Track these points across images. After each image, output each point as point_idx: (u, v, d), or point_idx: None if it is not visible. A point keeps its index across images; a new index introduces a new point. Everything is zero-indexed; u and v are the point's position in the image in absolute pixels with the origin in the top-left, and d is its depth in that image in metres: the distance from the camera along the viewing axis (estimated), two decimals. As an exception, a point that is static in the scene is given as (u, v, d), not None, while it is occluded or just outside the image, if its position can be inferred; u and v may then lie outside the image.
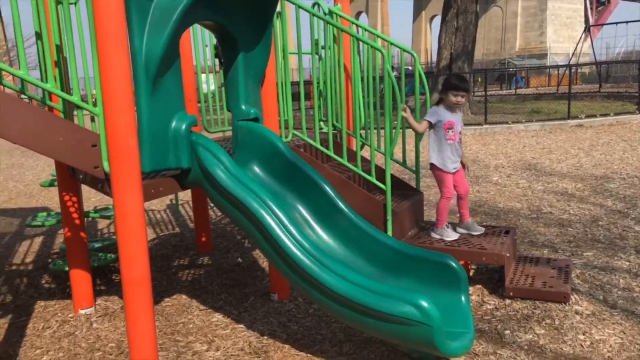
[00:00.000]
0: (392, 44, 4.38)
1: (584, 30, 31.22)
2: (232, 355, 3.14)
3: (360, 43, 4.42)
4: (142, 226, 2.63)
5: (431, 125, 4.03)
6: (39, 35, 2.99)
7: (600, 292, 3.67)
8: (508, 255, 3.70)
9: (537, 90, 27.55)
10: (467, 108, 16.07)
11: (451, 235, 4.00)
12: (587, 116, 13.72)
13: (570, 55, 31.22)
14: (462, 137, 4.05)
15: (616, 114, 13.92)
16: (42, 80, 3.01)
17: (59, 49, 3.14)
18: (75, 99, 2.79)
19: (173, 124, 2.88)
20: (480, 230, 4.10)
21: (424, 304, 2.46)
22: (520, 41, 53.80)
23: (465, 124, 14.21)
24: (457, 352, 2.62)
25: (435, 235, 4.05)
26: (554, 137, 11.63)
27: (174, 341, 3.36)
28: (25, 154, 14.04)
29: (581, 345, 3.03)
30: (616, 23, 31.30)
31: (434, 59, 23.95)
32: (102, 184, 3.06)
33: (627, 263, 4.19)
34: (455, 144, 4.01)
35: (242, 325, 3.53)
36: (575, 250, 4.56)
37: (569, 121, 13.38)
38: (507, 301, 3.62)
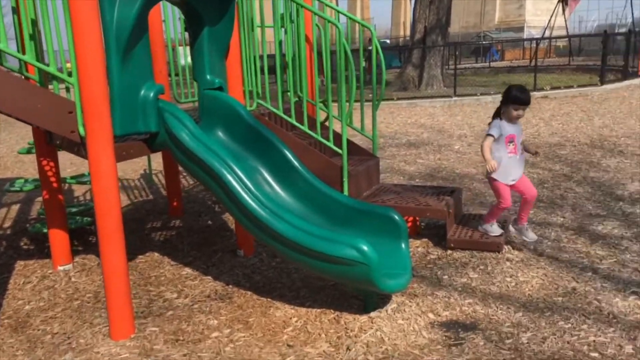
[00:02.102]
0: (350, 18, 4.68)
1: (558, 2, 31.54)
2: (199, 301, 3.51)
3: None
4: (114, 184, 2.95)
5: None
6: (14, 10, 3.26)
7: (532, 243, 4.11)
8: (450, 211, 4.10)
9: (511, 64, 28.03)
10: (439, 81, 16.44)
11: (495, 231, 4.03)
12: (552, 88, 14.20)
13: (544, 29, 31.64)
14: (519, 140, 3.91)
15: (579, 86, 14.41)
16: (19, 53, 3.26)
17: (34, 22, 3.39)
18: (52, 69, 3.07)
19: (142, 92, 3.17)
20: (533, 238, 4.00)
21: (364, 246, 2.84)
22: (500, 14, 54.01)
23: (435, 96, 14.65)
24: (394, 288, 3.02)
25: (480, 229, 4.11)
26: (518, 109, 12.08)
27: (146, 291, 3.71)
28: (-1, 127, 14.08)
29: (507, 286, 3.45)
30: (588, -4, 31.66)
31: (411, 32, 24.11)
32: (78, 147, 3.36)
33: (562, 219, 4.64)
34: (516, 156, 3.88)
35: (209, 277, 3.89)
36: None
37: (535, 93, 13.81)
38: (449, 252, 4.04)
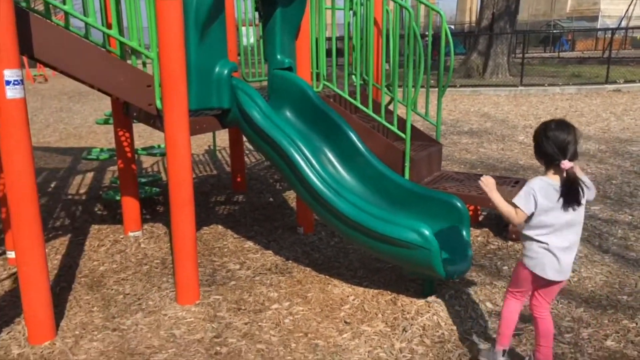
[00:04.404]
0: (420, 2, 4.64)
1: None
2: (260, 273, 3.64)
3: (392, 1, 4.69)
4: (188, 156, 3.09)
5: None
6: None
7: (597, 240, 4.00)
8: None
9: (582, 54, 26.86)
10: (505, 69, 16.00)
11: None
12: (626, 81, 13.55)
13: (621, 18, 30.09)
14: None
15: (656, 80, 13.72)
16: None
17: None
18: (134, 44, 3.22)
19: (217, 69, 3.29)
20: None
21: (425, 231, 2.86)
22: (572, 2, 51.64)
23: (500, 85, 14.25)
24: (452, 275, 3.03)
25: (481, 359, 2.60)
26: (588, 101, 11.63)
27: (210, 261, 3.87)
28: (72, 99, 14.73)
29: (569, 281, 3.39)
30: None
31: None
32: (154, 119, 3.51)
33: (630, 217, 4.48)
34: None
35: (270, 251, 4.01)
36: (584, 204, 4.85)
37: (606, 86, 13.26)
38: (509, 243, 4.00)
